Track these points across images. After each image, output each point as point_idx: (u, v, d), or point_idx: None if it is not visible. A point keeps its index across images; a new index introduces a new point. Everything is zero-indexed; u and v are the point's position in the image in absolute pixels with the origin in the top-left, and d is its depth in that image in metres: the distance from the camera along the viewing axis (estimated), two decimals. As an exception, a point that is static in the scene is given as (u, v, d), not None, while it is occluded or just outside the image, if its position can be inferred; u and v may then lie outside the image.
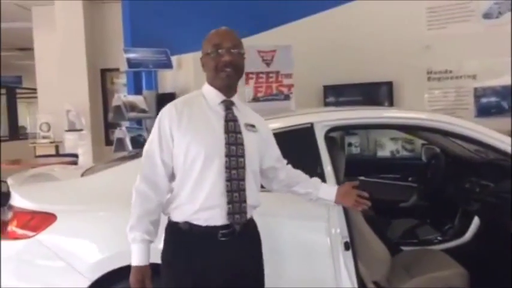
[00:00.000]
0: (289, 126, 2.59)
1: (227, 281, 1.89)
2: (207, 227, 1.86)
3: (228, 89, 1.95)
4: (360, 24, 5.13)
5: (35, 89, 8.80)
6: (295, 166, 2.54)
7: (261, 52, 4.46)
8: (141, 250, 1.88)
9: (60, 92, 7.37)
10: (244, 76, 4.39)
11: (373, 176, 4.24)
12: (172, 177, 1.94)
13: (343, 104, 5.07)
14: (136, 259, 1.88)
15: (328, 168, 2.44)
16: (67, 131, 7.17)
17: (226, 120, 1.91)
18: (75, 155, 6.60)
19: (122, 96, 5.00)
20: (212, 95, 1.95)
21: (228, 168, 1.85)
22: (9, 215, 2.49)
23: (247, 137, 1.92)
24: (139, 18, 5.32)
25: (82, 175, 2.77)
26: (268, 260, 2.34)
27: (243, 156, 1.88)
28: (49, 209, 2.41)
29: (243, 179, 1.88)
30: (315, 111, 2.83)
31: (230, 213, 1.86)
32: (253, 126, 1.98)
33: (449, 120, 2.63)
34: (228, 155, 1.86)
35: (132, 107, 4.83)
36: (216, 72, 1.92)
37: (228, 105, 1.94)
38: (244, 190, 1.88)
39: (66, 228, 2.40)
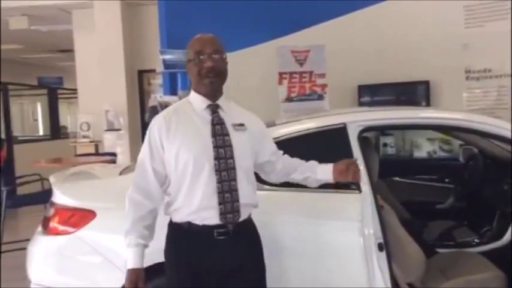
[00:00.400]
0: (322, 127, 2.60)
1: (224, 279, 1.96)
2: (204, 226, 1.94)
3: (212, 93, 2.00)
4: (396, 23, 5.06)
5: (75, 90, 9.04)
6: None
7: (295, 52, 4.47)
8: (135, 254, 1.97)
9: (99, 92, 7.57)
10: (277, 76, 4.48)
11: (409, 177, 4.19)
12: (165, 183, 2.01)
13: (379, 104, 5.02)
14: (131, 262, 1.97)
15: (361, 169, 2.43)
16: (106, 130, 7.36)
17: (213, 124, 1.97)
18: (114, 154, 6.76)
19: (157, 96, 5.10)
20: (198, 101, 2.02)
21: (218, 170, 1.92)
22: (51, 211, 2.59)
23: (236, 137, 1.98)
24: (174, 20, 5.40)
25: (120, 173, 2.85)
26: (301, 260, 2.36)
27: (232, 157, 1.94)
28: (89, 206, 2.50)
29: (234, 179, 1.94)
30: (348, 112, 2.83)
31: (222, 214, 1.92)
32: (241, 125, 2.02)
33: (486, 121, 2.58)
34: (217, 158, 1.92)
35: (168, 107, 4.91)
36: (199, 78, 1.98)
37: (214, 109, 2.00)
38: (236, 190, 1.94)
39: (105, 224, 2.48)
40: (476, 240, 3.18)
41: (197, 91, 2.02)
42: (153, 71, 7.09)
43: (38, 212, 3.93)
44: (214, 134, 1.95)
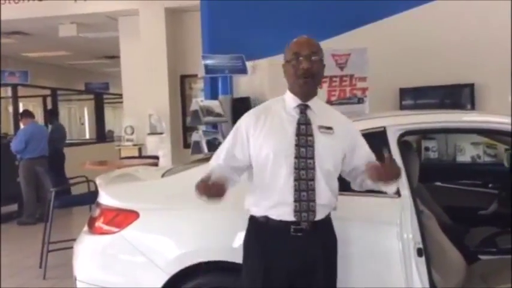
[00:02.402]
0: (361, 130, 2.58)
1: (295, 275, 2.02)
2: (280, 221, 2.01)
3: (304, 94, 2.05)
4: (439, 25, 4.97)
5: (120, 95, 9.30)
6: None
7: (335, 56, 4.47)
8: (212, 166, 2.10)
9: (143, 97, 7.77)
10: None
11: (452, 182, 4.11)
12: (239, 170, 2.11)
13: (422, 107, 4.93)
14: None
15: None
16: (149, 134, 7.54)
17: (299, 123, 2.02)
18: (156, 157, 6.91)
19: (199, 101, 5.19)
20: (290, 100, 2.08)
21: (297, 168, 1.97)
22: (97, 211, 2.69)
23: (320, 139, 2.01)
24: (216, 26, 5.49)
25: (162, 176, 2.92)
26: (339, 264, 2.36)
27: (312, 157, 1.98)
28: (132, 207, 2.57)
29: (312, 179, 1.98)
30: (387, 115, 2.81)
31: (297, 211, 1.98)
32: (329, 128, 2.04)
33: (532, 125, 2.50)
34: (297, 156, 1.97)
35: (209, 112, 4.99)
36: (294, 79, 2.04)
37: (303, 109, 2.05)
38: (313, 190, 1.98)
39: (148, 225, 2.55)
40: (520, 248, 3.09)
41: (291, 90, 2.08)
42: (195, 76, 7.23)
43: (85, 213, 4.09)
44: (298, 133, 2.00)
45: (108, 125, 13.59)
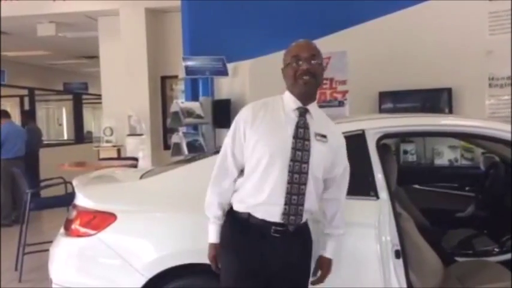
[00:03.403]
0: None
1: (271, 274, 2.02)
2: (262, 220, 2.00)
3: (305, 96, 2.04)
4: (418, 30, 5.03)
5: (99, 95, 9.20)
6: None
7: (315, 59, 4.48)
8: (213, 230, 2.11)
9: (123, 98, 7.70)
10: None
11: (430, 185, 4.15)
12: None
13: (400, 111, 4.99)
14: (211, 237, 2.12)
15: (379, 176, 2.43)
16: (128, 135, 7.47)
17: (297, 126, 2.01)
18: (136, 159, 6.86)
19: (179, 102, 5.17)
20: (289, 101, 2.07)
21: (291, 171, 1.96)
22: (74, 213, 2.65)
23: (315, 145, 2.00)
24: (197, 27, 5.49)
25: (141, 177, 2.90)
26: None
27: (307, 162, 1.98)
28: (110, 209, 2.54)
29: (304, 184, 1.98)
30: (366, 118, 2.82)
31: (285, 214, 1.98)
32: (323, 136, 2.04)
33: (508, 129, 2.54)
34: (292, 160, 1.97)
35: (189, 113, 4.98)
36: (294, 79, 2.03)
37: (302, 112, 2.03)
38: (303, 194, 1.98)
39: (125, 227, 2.52)
40: (496, 250, 3.14)
41: (291, 92, 2.07)
42: (176, 77, 7.20)
43: (61, 215, 4.02)
44: (296, 136, 1.99)
45: (87, 126, 13.43)
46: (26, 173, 5.58)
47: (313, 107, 2.07)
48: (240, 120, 2.07)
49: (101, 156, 7.79)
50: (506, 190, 3.23)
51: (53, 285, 2.63)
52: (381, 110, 5.13)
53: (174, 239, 2.46)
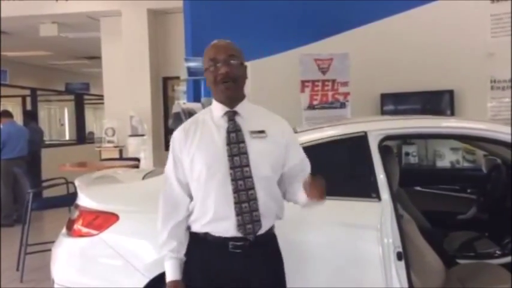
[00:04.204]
0: (342, 135, 2.61)
1: None
2: (219, 238, 1.87)
3: (229, 101, 1.93)
4: (420, 32, 5.04)
5: (101, 96, 9.21)
6: (348, 174, 2.56)
7: (318, 60, 4.50)
8: (171, 266, 1.96)
9: (124, 98, 7.71)
10: (299, 84, 4.50)
11: (431, 187, 4.16)
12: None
13: (402, 113, 4.99)
14: (168, 275, 1.96)
15: (381, 177, 2.44)
16: (130, 136, 7.48)
17: (228, 132, 1.90)
18: (137, 159, 6.86)
19: (181, 103, 5.17)
20: (217, 109, 1.96)
21: (234, 179, 1.85)
22: (76, 214, 2.66)
23: (252, 144, 1.89)
24: (199, 28, 5.49)
25: (143, 178, 2.90)
26: (318, 267, 2.37)
27: (248, 165, 1.86)
28: (112, 209, 2.54)
29: (252, 188, 1.85)
30: (368, 120, 2.83)
31: (241, 225, 1.85)
32: (261, 132, 1.93)
33: (509, 131, 2.54)
34: (232, 167, 1.85)
35: (191, 114, 4.96)
36: (215, 85, 1.92)
37: (231, 116, 1.93)
38: (255, 199, 1.85)
39: (127, 228, 2.52)
40: (497, 252, 3.14)
41: (216, 98, 1.97)
42: (177, 78, 7.20)
43: (63, 215, 4.03)
44: (229, 142, 1.88)
45: (89, 127, 13.45)
46: (28, 173, 5.60)
47: (242, 107, 1.95)
48: (174, 144, 1.97)
49: (103, 156, 7.79)
50: (508, 192, 3.23)
51: (55, 285, 2.64)
52: (383, 112, 5.14)
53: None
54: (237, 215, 1.84)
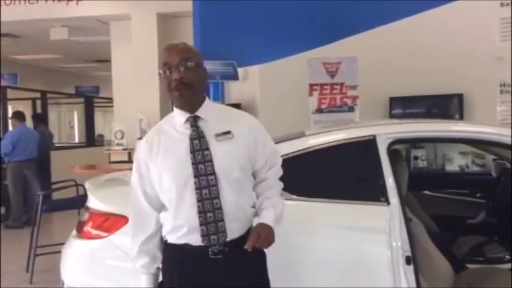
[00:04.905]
0: (351, 138, 2.61)
1: None
2: (193, 247, 1.83)
3: (187, 106, 1.86)
4: (429, 35, 5.03)
5: (111, 99, 9.27)
6: (357, 178, 2.56)
7: (326, 64, 4.51)
8: (145, 280, 1.96)
9: (133, 101, 7.76)
10: (308, 87, 4.51)
11: (440, 191, 4.14)
12: (160, 204, 1.91)
13: (411, 117, 4.98)
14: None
15: (389, 181, 2.43)
16: (139, 138, 7.50)
17: (191, 139, 1.83)
18: (146, 162, 6.87)
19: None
20: (178, 116, 1.89)
21: (198, 188, 1.78)
22: (86, 216, 2.68)
23: (218, 149, 1.82)
24: (208, 32, 5.51)
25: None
26: (327, 271, 2.37)
27: (213, 173, 1.79)
28: (122, 212, 2.55)
29: (217, 197, 1.79)
30: (377, 124, 2.83)
31: (205, 235, 1.79)
32: (227, 133, 1.85)
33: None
34: (196, 175, 1.79)
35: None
36: (170, 92, 1.84)
37: (193, 122, 1.85)
38: (220, 208, 1.79)
39: (136, 230, 2.54)
40: (507, 257, 3.12)
41: (175, 105, 1.89)
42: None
43: (72, 217, 4.06)
44: (192, 150, 1.81)
45: (98, 129, 13.53)
46: (38, 175, 5.65)
47: (204, 110, 1.87)
48: (139, 156, 1.90)
49: (112, 159, 7.84)
50: (518, 197, 3.22)
51: (65, 287, 2.65)
52: (392, 116, 5.13)
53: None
54: (201, 224, 1.79)
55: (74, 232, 2.75)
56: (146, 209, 1.91)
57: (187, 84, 1.82)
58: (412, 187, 2.98)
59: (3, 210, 7.60)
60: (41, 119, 9.20)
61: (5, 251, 5.80)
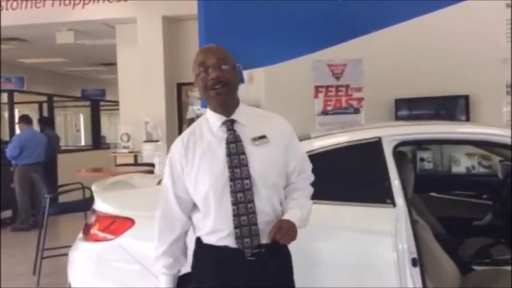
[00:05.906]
0: (356, 140, 2.61)
1: None
2: (230, 249, 1.85)
3: (223, 107, 1.87)
4: (435, 37, 5.02)
5: (117, 102, 9.29)
6: (363, 180, 2.56)
7: (331, 66, 4.51)
8: (165, 281, 1.98)
9: (139, 104, 7.78)
10: (313, 89, 4.51)
11: (447, 193, 4.13)
12: (191, 208, 1.93)
13: (417, 118, 4.97)
14: None
15: (395, 183, 2.44)
16: (145, 141, 7.54)
17: (228, 143, 1.84)
18: (152, 165, 6.90)
19: (195, 109, 5.21)
20: (213, 119, 1.90)
21: (234, 192, 1.81)
22: (93, 218, 2.69)
23: (255, 153, 1.84)
24: (213, 34, 5.52)
25: (158, 183, 2.92)
26: (333, 273, 2.37)
27: (248, 177, 1.81)
28: (128, 214, 2.58)
29: (252, 201, 1.81)
30: (383, 125, 2.83)
31: (238, 238, 1.82)
32: (263, 137, 1.87)
33: (525, 137, 2.52)
34: (232, 179, 1.81)
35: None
36: (206, 91, 1.86)
37: (229, 126, 1.87)
38: (253, 213, 1.81)
39: (143, 232, 2.53)
40: (514, 258, 3.11)
41: (210, 107, 1.91)
42: (192, 84, 7.22)
43: (79, 220, 4.08)
44: (229, 154, 1.83)
45: (105, 132, 13.57)
46: (45, 178, 5.68)
47: (240, 113, 1.89)
48: (174, 158, 1.91)
49: (118, 162, 7.85)
50: (525, 199, 3.20)
51: (72, 289, 2.67)
52: (398, 117, 5.12)
53: (190, 245, 2.48)
54: (235, 227, 1.81)
55: (81, 235, 2.77)
56: (177, 213, 1.94)
57: (225, 82, 1.84)
58: (418, 189, 2.97)
59: (10, 213, 7.64)
60: (47, 122, 9.24)
61: (12, 254, 5.85)
